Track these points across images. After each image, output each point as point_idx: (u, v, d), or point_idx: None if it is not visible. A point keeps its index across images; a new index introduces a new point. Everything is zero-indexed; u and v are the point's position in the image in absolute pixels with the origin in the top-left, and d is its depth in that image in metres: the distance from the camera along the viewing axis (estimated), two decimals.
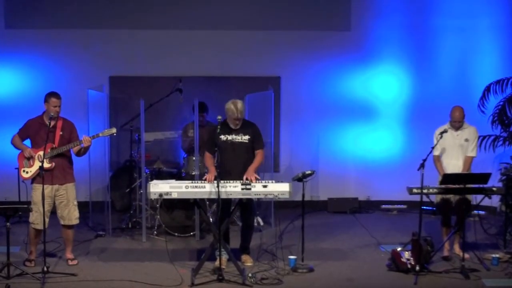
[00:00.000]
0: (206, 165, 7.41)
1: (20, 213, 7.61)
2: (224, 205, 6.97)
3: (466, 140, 7.45)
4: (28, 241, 7.24)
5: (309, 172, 7.08)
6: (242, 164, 7.06)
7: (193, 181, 7.13)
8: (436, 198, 7.50)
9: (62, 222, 7.20)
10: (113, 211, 9.19)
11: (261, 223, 8.88)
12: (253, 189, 6.79)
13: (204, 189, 6.81)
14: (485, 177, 7.05)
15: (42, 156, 6.89)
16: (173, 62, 9.98)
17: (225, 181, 6.78)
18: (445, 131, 7.36)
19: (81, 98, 9.01)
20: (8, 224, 6.62)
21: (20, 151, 7.16)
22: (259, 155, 7.17)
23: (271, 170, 9.00)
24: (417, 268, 6.75)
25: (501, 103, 9.01)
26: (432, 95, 10.07)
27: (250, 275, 6.67)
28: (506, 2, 9.72)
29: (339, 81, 10.27)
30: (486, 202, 7.36)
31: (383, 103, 10.35)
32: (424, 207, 7.41)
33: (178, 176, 8.67)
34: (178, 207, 8.29)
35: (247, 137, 7.13)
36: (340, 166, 10.33)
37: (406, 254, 6.96)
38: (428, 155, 7.02)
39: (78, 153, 7.20)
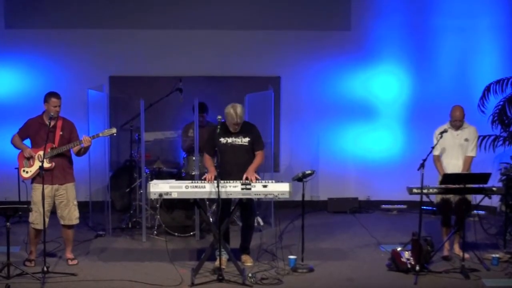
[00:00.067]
0: (205, 166, 7.42)
1: (20, 213, 7.61)
2: (224, 205, 6.97)
3: (466, 140, 7.45)
4: (28, 241, 7.24)
5: (309, 172, 7.08)
6: (242, 166, 7.05)
7: (193, 181, 7.13)
8: (436, 198, 7.50)
9: (62, 222, 7.20)
10: (113, 211, 9.19)
11: (261, 223, 8.88)
12: (253, 189, 6.79)
13: (204, 189, 6.81)
14: (485, 177, 7.05)
15: (42, 156, 6.88)
16: (173, 62, 9.98)
17: (225, 181, 6.78)
18: (445, 131, 7.36)
19: (81, 98, 9.01)
20: (8, 224, 6.62)
21: (20, 151, 7.16)
22: (259, 156, 7.17)
23: (271, 170, 9.00)
24: (417, 268, 6.75)
25: (501, 103, 9.01)
26: (432, 95, 10.07)
27: (250, 275, 6.67)
28: (506, 2, 9.72)
29: (339, 81, 10.28)
30: (486, 202, 7.36)
31: (383, 103, 10.35)
32: (424, 207, 7.41)
33: (178, 176, 8.67)
34: (178, 207, 8.30)
35: (247, 139, 7.13)
36: (340, 166, 10.33)
37: (406, 254, 6.96)
38: (428, 155, 7.02)
39: (78, 153, 7.20)
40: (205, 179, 6.94)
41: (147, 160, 8.76)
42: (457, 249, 7.50)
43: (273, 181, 6.93)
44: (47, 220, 6.90)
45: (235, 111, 6.96)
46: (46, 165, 6.91)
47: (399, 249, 7.07)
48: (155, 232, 8.44)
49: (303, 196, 7.09)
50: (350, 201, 10.19)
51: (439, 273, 6.84)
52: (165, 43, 10.04)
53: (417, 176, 6.94)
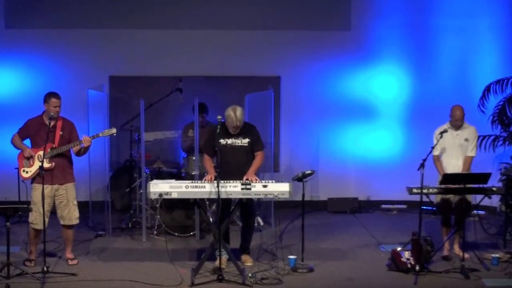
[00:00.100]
0: (205, 167, 7.42)
1: (20, 213, 7.62)
2: (224, 205, 6.97)
3: (466, 140, 7.45)
4: (28, 241, 7.24)
5: (309, 172, 7.08)
6: (242, 167, 7.06)
7: (193, 181, 7.13)
8: (436, 198, 7.50)
9: (62, 222, 7.19)
10: (113, 211, 9.19)
11: (261, 223, 8.88)
12: (253, 189, 6.79)
13: (204, 189, 6.81)
14: (485, 177, 7.04)
15: (42, 156, 6.88)
16: (173, 62, 9.98)
17: (225, 181, 6.78)
18: (445, 131, 7.36)
19: (81, 98, 9.01)
20: (8, 224, 6.62)
21: (20, 151, 7.16)
22: (258, 157, 7.17)
23: (271, 170, 9.00)
24: (417, 268, 6.75)
25: (501, 103, 9.01)
26: (432, 95, 10.07)
27: (250, 275, 6.67)
28: (506, 2, 9.72)
29: (339, 81, 10.28)
30: (486, 202, 7.36)
31: (383, 103, 10.35)
32: (424, 207, 7.41)
33: (178, 176, 8.67)
34: (178, 207, 8.30)
35: (246, 140, 7.13)
36: (340, 166, 10.33)
37: (406, 254, 6.96)
38: (428, 155, 7.02)
39: (78, 153, 7.20)
40: (205, 180, 6.94)
41: (147, 160, 8.76)
42: (457, 249, 7.50)
43: (273, 181, 6.93)
44: (47, 220, 6.89)
45: (235, 114, 6.96)
46: (46, 165, 6.91)
47: (399, 249, 7.07)
48: (155, 232, 8.44)
49: (303, 196, 7.09)
50: (350, 201, 10.19)
51: (439, 273, 6.84)
52: (165, 43, 10.04)
53: (417, 176, 6.94)
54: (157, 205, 8.34)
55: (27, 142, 7.20)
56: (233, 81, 10.02)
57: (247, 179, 6.89)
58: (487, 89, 9.13)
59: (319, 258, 7.36)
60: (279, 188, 6.81)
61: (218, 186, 6.56)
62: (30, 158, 7.06)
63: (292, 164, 10.19)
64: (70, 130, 7.17)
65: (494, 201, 8.46)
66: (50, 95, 7.09)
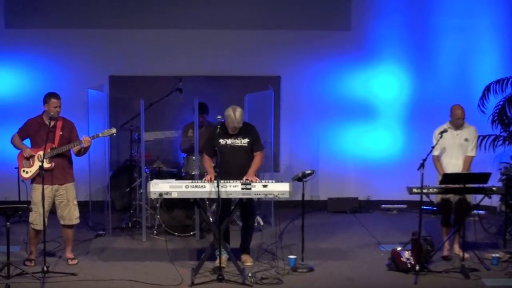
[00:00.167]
0: (204, 167, 7.42)
1: (20, 212, 7.62)
2: (224, 204, 6.97)
3: (466, 139, 7.45)
4: (28, 240, 7.24)
5: (309, 171, 7.08)
6: (242, 167, 7.06)
7: (193, 181, 7.13)
8: (436, 198, 7.50)
9: (62, 222, 7.19)
10: (113, 211, 9.19)
11: (261, 223, 8.88)
12: (253, 189, 6.79)
13: (204, 188, 6.81)
14: (485, 177, 7.04)
15: (42, 156, 6.88)
16: (173, 61, 9.98)
17: (225, 181, 6.78)
18: (445, 131, 7.36)
19: (81, 98, 9.01)
20: (8, 223, 6.62)
21: (20, 151, 7.16)
22: (258, 157, 7.17)
23: (271, 170, 9.00)
24: (417, 267, 6.75)
25: (501, 102, 9.01)
26: (432, 95, 10.07)
27: (250, 274, 6.67)
28: (506, 2, 9.72)
29: (339, 80, 10.28)
30: (486, 201, 7.35)
31: (383, 102, 10.35)
32: (424, 207, 7.41)
33: (178, 176, 8.67)
34: (178, 206, 8.30)
35: (246, 140, 7.14)
36: (340, 166, 10.33)
37: (406, 254, 6.95)
38: (428, 154, 7.02)
39: (78, 153, 7.20)
40: (205, 180, 6.94)
41: (147, 160, 8.76)
42: (457, 248, 7.50)
43: (273, 181, 6.93)
44: (46, 220, 6.89)
45: (234, 115, 6.97)
46: (46, 165, 6.91)
47: (399, 248, 7.07)
48: (155, 231, 8.44)
49: (303, 196, 7.09)
50: (350, 201, 10.19)
51: (439, 273, 6.84)
52: (165, 43, 10.04)
53: (417, 175, 6.94)
54: (157, 205, 8.34)
55: (27, 142, 7.20)
56: (233, 81, 10.02)
57: (247, 179, 6.89)
58: (487, 89, 9.13)
59: (319, 258, 7.37)
60: (279, 188, 6.81)
61: (218, 186, 6.57)
62: (30, 158, 7.06)
63: (292, 164, 10.19)
64: (70, 130, 7.17)
65: (494, 200, 8.46)
66: (50, 95, 7.09)
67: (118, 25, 9.96)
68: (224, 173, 6.92)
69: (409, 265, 6.87)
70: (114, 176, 9.75)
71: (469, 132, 7.48)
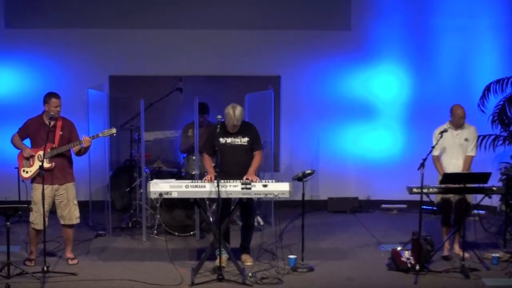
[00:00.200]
0: (205, 167, 7.42)
1: (20, 212, 7.61)
2: (224, 204, 6.97)
3: (466, 139, 7.45)
4: (28, 240, 7.23)
5: (309, 171, 7.08)
6: (242, 166, 7.07)
7: (193, 181, 7.13)
8: (436, 198, 7.50)
9: (62, 222, 7.19)
10: (113, 211, 9.19)
11: (261, 223, 8.88)
12: (253, 189, 6.79)
13: (204, 188, 6.81)
14: (485, 177, 7.05)
15: (42, 156, 6.88)
16: (173, 61, 9.98)
17: (225, 181, 6.78)
18: (445, 131, 7.36)
19: (81, 98, 9.01)
20: (8, 223, 6.62)
21: (20, 150, 7.16)
22: (257, 156, 7.17)
23: (271, 170, 9.01)
24: (417, 267, 6.75)
25: (501, 102, 9.02)
26: (432, 95, 10.07)
27: (250, 274, 6.67)
28: (506, 2, 9.72)
29: (339, 80, 10.28)
30: (486, 201, 7.36)
31: (383, 102, 10.35)
32: (424, 207, 7.41)
33: (178, 176, 8.67)
34: (178, 206, 8.30)
35: (246, 139, 7.14)
36: (340, 166, 10.33)
37: (406, 254, 6.96)
38: (428, 154, 7.02)
39: (78, 153, 7.20)
40: (205, 180, 6.94)
41: (147, 160, 8.76)
42: (457, 248, 7.50)
43: (273, 180, 6.94)
44: (46, 220, 6.89)
45: (234, 112, 6.97)
46: (46, 165, 6.91)
47: (399, 248, 7.07)
48: (155, 231, 8.44)
49: (303, 195, 7.09)
50: (350, 201, 10.19)
51: (439, 273, 6.84)
52: (165, 43, 10.04)
53: (417, 175, 6.94)
54: (157, 205, 8.34)
55: (27, 142, 7.20)
56: (233, 80, 10.02)
57: (247, 179, 6.89)
58: (487, 88, 9.13)
59: (319, 258, 7.37)
60: (279, 188, 6.82)
61: (218, 186, 6.57)
62: (30, 158, 7.06)
63: (292, 163, 10.19)
64: (70, 130, 7.17)
65: (494, 200, 8.47)
66: (50, 95, 7.09)
67: (118, 25, 9.96)
68: (224, 173, 6.92)
69: (409, 265, 6.87)
70: (114, 176, 9.75)
71: (469, 132, 7.48)
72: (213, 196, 6.77)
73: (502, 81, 9.04)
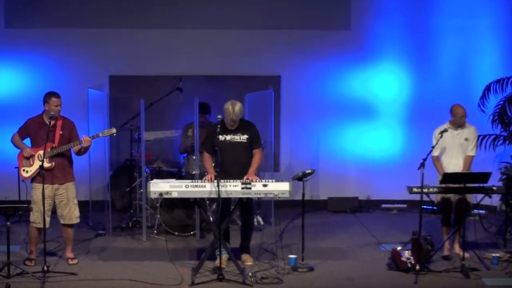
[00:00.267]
0: (205, 166, 7.42)
1: (20, 212, 7.58)
2: (224, 204, 6.97)
3: (466, 139, 7.45)
4: (28, 240, 7.23)
5: (309, 171, 7.08)
6: (242, 164, 7.07)
7: (193, 181, 7.13)
8: (436, 198, 7.50)
9: (62, 222, 7.19)
10: (113, 210, 9.20)
11: (261, 222, 8.87)
12: (253, 188, 6.79)
13: (204, 188, 6.81)
14: (485, 176, 7.05)
15: (42, 155, 6.88)
16: (173, 61, 9.98)
17: (225, 181, 6.78)
18: (445, 131, 7.36)
19: (81, 98, 9.01)
20: (8, 223, 6.62)
21: (20, 150, 7.16)
22: (257, 155, 7.17)
23: (271, 169, 9.01)
24: (417, 267, 6.75)
25: (501, 102, 9.02)
26: (432, 94, 10.07)
27: (250, 274, 6.67)
28: (506, 2, 9.73)
29: (339, 80, 10.28)
30: (486, 201, 7.36)
31: (383, 102, 10.35)
32: (424, 206, 7.41)
33: (178, 175, 8.67)
34: (178, 206, 8.30)
35: (245, 136, 7.14)
36: (340, 165, 10.33)
37: (406, 253, 6.95)
38: (428, 154, 7.02)
39: (78, 153, 7.20)
40: (205, 180, 6.94)
41: (147, 160, 8.76)
42: (457, 248, 7.50)
43: (273, 180, 6.94)
44: (48, 219, 6.90)
45: (233, 108, 6.98)
46: (46, 164, 6.91)
47: (399, 248, 7.07)
48: (155, 231, 8.44)
49: (303, 195, 7.09)
50: (350, 201, 10.19)
51: (439, 273, 6.84)
52: (165, 42, 10.04)
53: (417, 175, 6.94)
54: (157, 205, 8.34)
55: (27, 141, 7.20)
56: (233, 80, 10.02)
57: (247, 179, 6.89)
58: (487, 88, 9.14)
59: (319, 258, 7.37)
60: (279, 188, 6.82)
61: (218, 186, 6.57)
62: (30, 157, 7.06)
63: (292, 163, 10.19)
64: (70, 130, 7.17)
65: (494, 200, 8.47)
66: (50, 94, 7.09)
67: (118, 25, 9.96)
68: (224, 171, 6.92)
69: (409, 265, 6.87)
70: (114, 176, 9.75)
71: (469, 132, 7.48)
72: (213, 196, 6.77)
73: (502, 81, 9.04)
